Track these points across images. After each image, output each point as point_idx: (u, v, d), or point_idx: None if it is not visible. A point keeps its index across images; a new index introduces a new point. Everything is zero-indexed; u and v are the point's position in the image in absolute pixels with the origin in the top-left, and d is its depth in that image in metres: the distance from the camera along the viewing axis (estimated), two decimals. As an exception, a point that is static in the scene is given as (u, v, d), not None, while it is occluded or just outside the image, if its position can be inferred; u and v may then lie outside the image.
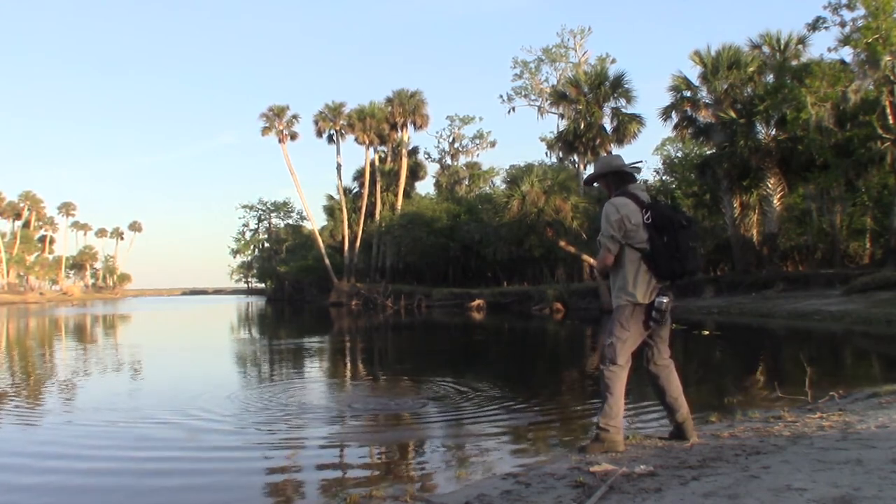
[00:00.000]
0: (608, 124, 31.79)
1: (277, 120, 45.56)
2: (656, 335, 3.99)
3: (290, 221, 68.63)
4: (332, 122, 46.05)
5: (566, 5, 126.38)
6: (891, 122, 23.08)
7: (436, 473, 4.25)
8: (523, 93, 44.42)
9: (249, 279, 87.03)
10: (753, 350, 13.31)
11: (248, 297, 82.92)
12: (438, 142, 56.01)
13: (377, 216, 46.19)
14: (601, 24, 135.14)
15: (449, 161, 53.11)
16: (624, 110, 31.61)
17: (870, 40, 21.72)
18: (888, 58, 21.89)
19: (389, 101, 45.24)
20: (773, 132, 27.41)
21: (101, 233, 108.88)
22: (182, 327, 27.95)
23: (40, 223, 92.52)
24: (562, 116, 35.20)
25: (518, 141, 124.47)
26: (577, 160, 34.48)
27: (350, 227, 46.86)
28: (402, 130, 45.92)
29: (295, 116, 46.11)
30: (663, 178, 41.08)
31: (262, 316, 36.24)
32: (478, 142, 52.83)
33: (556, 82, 40.88)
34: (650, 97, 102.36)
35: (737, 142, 26.59)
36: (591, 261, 26.33)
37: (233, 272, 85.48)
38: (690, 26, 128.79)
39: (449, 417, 6.09)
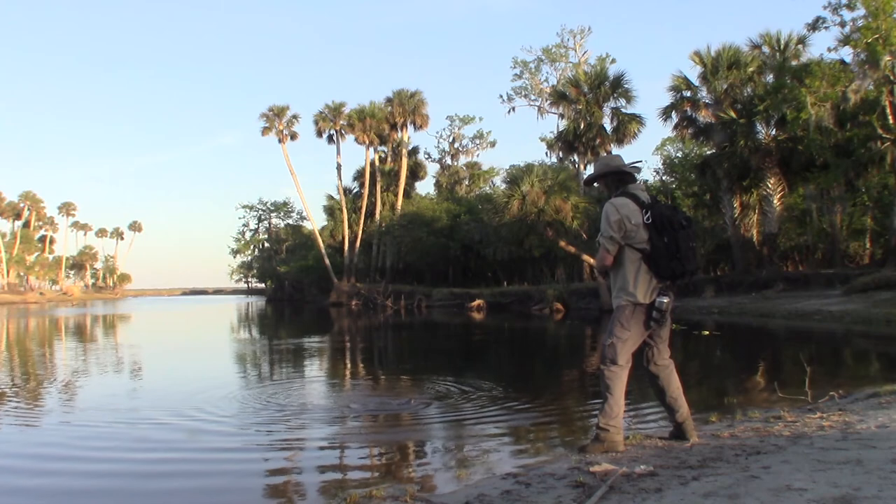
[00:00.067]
0: (608, 124, 31.80)
1: (277, 120, 45.56)
2: (656, 335, 3.99)
3: (290, 221, 68.65)
4: (332, 122, 46.04)
5: (566, 5, 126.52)
6: (891, 122, 23.08)
7: (436, 473, 4.25)
8: (523, 93, 44.45)
9: (249, 279, 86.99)
10: (753, 350, 13.30)
11: (248, 297, 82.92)
12: (438, 142, 56.11)
13: (377, 216, 46.18)
14: (601, 24, 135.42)
15: (449, 161, 53.13)
16: (624, 110, 31.62)
17: (870, 40, 21.72)
18: (888, 58, 21.89)
19: (389, 101, 45.23)
20: (773, 132, 27.42)
21: (101, 233, 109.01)
22: (182, 327, 27.94)
23: (40, 223, 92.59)
24: (562, 116, 35.21)
25: (518, 141, 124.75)
26: (577, 160, 34.46)
27: (350, 227, 46.86)
28: (402, 130, 45.91)
29: (295, 116, 46.18)
30: (663, 178, 41.09)
31: (262, 316, 36.24)
32: (478, 142, 52.86)
33: (556, 82, 40.88)
34: (650, 97, 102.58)
35: (737, 142, 26.59)
36: (591, 260, 26.33)
37: (233, 272, 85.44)
38: (690, 26, 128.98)
39: (449, 417, 6.08)
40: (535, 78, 44.16)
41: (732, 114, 27.49)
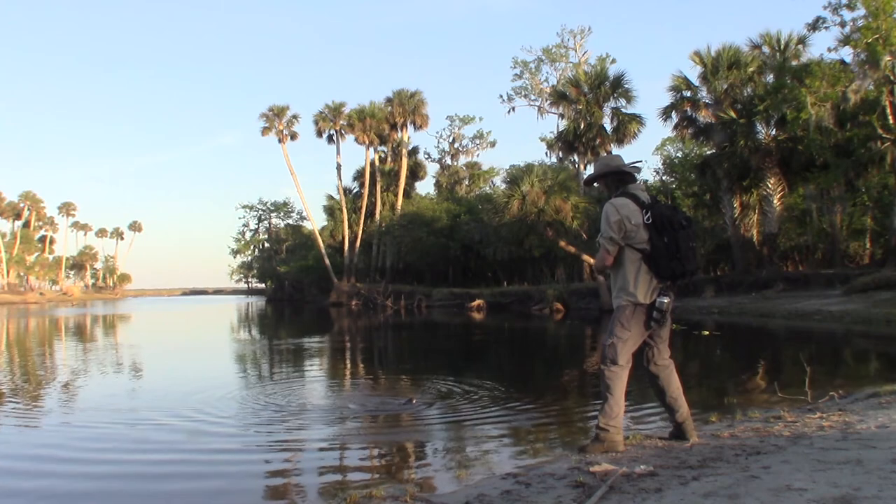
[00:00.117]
0: (608, 124, 31.80)
1: (277, 120, 45.57)
2: (657, 335, 3.99)
3: (290, 221, 68.68)
4: (332, 122, 46.04)
5: (566, 5, 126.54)
6: (891, 122, 23.08)
7: (436, 473, 4.25)
8: (523, 93, 44.47)
9: (249, 279, 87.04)
10: (753, 350, 13.30)
11: (248, 297, 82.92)
12: (438, 142, 56.12)
13: (377, 216, 46.18)
14: (601, 24, 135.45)
15: (449, 161, 53.13)
16: (624, 110, 31.62)
17: (870, 40, 21.72)
18: (888, 58, 21.89)
19: (389, 101, 45.23)
20: (773, 132, 27.42)
21: (101, 233, 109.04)
22: (182, 327, 27.94)
23: (40, 223, 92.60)
24: (562, 116, 35.21)
25: (518, 141, 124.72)
26: (577, 160, 34.47)
27: (350, 227, 46.86)
28: (402, 130, 45.92)
29: (295, 116, 46.18)
30: (663, 178, 41.10)
31: (262, 316, 36.24)
32: (478, 142, 52.87)
33: (556, 82, 40.89)
34: (650, 97, 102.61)
35: (737, 142, 26.59)
36: (592, 260, 26.33)
37: (233, 272, 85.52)
38: (690, 26, 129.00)
39: (449, 417, 6.08)
40: (535, 78, 44.20)
41: (732, 114, 27.49)
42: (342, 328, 23.34)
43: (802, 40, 27.11)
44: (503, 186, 31.46)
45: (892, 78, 22.50)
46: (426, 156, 52.64)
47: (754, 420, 4.90)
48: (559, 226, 27.18)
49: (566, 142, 32.79)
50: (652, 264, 3.85)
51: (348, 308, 39.11)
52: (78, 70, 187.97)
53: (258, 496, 3.96)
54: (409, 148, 47.62)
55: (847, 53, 24.12)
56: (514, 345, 15.91)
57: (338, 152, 47.90)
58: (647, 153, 59.74)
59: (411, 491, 3.45)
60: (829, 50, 25.65)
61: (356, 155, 69.53)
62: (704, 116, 29.28)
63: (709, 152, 30.53)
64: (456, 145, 53.16)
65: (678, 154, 40.48)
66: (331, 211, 53.05)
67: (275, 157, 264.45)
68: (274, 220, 71.04)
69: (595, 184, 4.34)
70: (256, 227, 72.09)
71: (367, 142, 45.29)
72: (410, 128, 45.95)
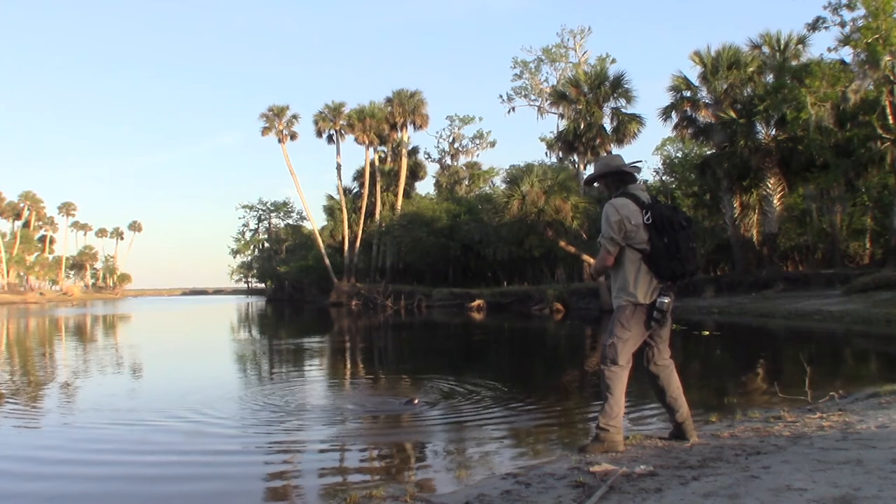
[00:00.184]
0: (608, 124, 31.81)
1: (277, 120, 45.56)
2: (657, 335, 3.99)
3: (290, 221, 68.63)
4: (332, 122, 46.04)
5: (566, 5, 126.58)
6: (891, 122, 23.08)
7: (436, 473, 4.25)
8: (523, 93, 44.47)
9: (249, 279, 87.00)
10: (753, 350, 13.30)
11: (248, 297, 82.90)
12: (438, 142, 56.12)
13: (377, 216, 46.18)
14: (601, 24, 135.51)
15: (449, 161, 53.14)
16: (624, 110, 31.63)
17: (870, 40, 21.72)
18: (888, 58, 21.89)
19: (389, 101, 45.23)
20: (773, 132, 27.42)
21: (101, 233, 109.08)
22: (182, 327, 27.94)
23: (40, 223, 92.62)
24: (562, 116, 35.22)
25: (518, 141, 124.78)
26: (577, 160, 34.47)
27: (350, 227, 46.86)
28: (401, 130, 45.91)
29: (295, 116, 46.18)
30: (663, 178, 41.10)
31: (262, 316, 36.23)
32: (478, 142, 52.88)
33: (556, 82, 40.89)
34: (650, 97, 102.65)
35: (737, 142, 26.59)
36: (592, 261, 26.32)
37: (233, 272, 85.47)
38: (690, 26, 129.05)
39: (449, 418, 6.08)
40: (535, 78, 44.20)
41: (732, 114, 27.49)
42: (342, 328, 23.34)
43: (802, 40, 27.11)
44: (503, 186, 31.46)
45: (892, 78, 22.50)
46: (426, 156, 52.71)
47: (754, 420, 4.90)
48: (559, 226, 27.18)
49: (566, 142, 32.79)
50: (652, 264, 3.84)
51: (348, 308, 39.11)
52: (78, 70, 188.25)
53: (258, 498, 3.95)
54: (409, 148, 47.63)
55: (847, 53, 24.16)
56: (514, 345, 15.91)
57: (338, 152, 47.96)
58: (647, 153, 59.79)
59: (411, 491, 3.45)
60: (829, 50, 25.68)
61: (356, 155, 69.63)
62: (704, 116, 29.28)
63: (709, 152, 30.53)
64: (456, 145, 53.20)
65: (678, 154, 40.49)
66: (331, 211, 53.05)
67: (275, 157, 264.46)
68: (274, 220, 71.07)
69: (595, 184, 4.34)
70: (256, 227, 72.11)
71: (366, 142, 45.29)
72: (410, 128, 45.97)
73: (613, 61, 41.03)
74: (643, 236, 3.83)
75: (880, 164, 23.93)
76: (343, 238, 47.41)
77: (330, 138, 46.97)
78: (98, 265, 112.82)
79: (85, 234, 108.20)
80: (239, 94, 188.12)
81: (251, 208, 70.55)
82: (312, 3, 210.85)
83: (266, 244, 71.26)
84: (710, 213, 34.41)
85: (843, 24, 23.38)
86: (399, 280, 43.62)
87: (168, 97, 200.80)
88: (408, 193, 47.56)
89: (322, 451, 5.01)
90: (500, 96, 49.62)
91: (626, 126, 31.10)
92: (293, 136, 46.19)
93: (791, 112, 24.03)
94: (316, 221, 51.18)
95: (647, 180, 39.51)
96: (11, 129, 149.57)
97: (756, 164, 26.86)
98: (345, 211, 46.81)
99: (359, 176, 49.85)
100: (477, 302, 33.61)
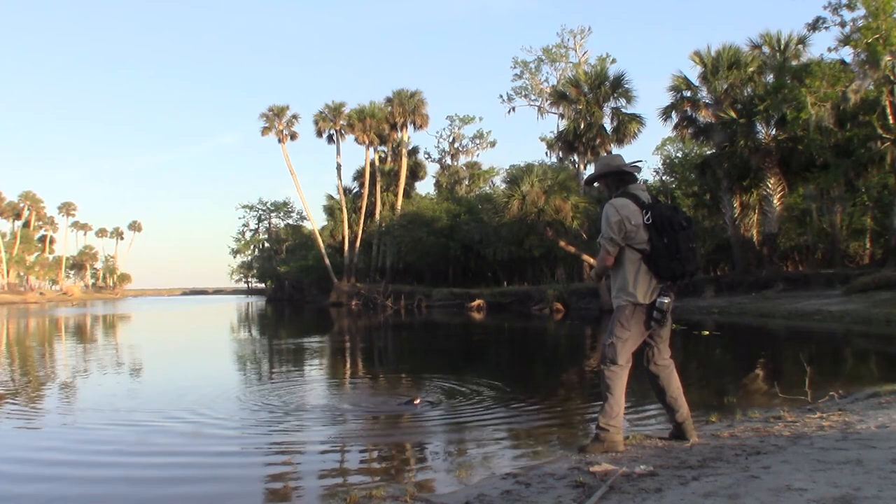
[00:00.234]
0: (608, 124, 31.80)
1: (277, 120, 45.56)
2: (657, 335, 3.99)
3: (290, 221, 68.63)
4: (332, 122, 46.04)
5: (566, 5, 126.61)
6: (891, 122, 23.08)
7: (436, 473, 4.26)
8: (523, 93, 44.46)
9: (249, 279, 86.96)
10: (753, 350, 13.30)
11: (248, 297, 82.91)
12: (438, 142, 56.12)
13: (377, 216, 46.18)
14: (601, 24, 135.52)
15: (449, 161, 53.13)
16: (624, 110, 31.61)
17: (870, 40, 21.72)
18: (888, 58, 21.89)
19: (389, 101, 45.23)
20: (773, 132, 27.42)
21: (101, 233, 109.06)
22: (182, 327, 27.94)
23: (40, 223, 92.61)
24: (562, 116, 35.21)
25: (518, 141, 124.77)
26: (577, 160, 34.47)
27: (350, 227, 46.86)
28: (401, 130, 45.92)
29: (295, 116, 46.18)
30: (663, 178, 41.10)
31: (262, 316, 36.24)
32: (478, 142, 52.87)
33: (556, 82, 40.89)
34: (650, 97, 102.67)
35: (737, 142, 26.59)
36: (592, 261, 26.33)
37: (233, 272, 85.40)
38: (690, 26, 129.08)
39: (449, 418, 6.08)
40: (535, 78, 44.19)
41: (732, 114, 27.48)
42: (342, 328, 23.34)
43: (802, 40, 27.11)
44: (503, 186, 31.46)
45: (892, 78, 22.50)
46: (426, 156, 52.71)
47: (754, 420, 4.90)
48: (559, 226, 27.18)
49: (566, 142, 32.79)
50: (652, 265, 3.84)
51: (348, 308, 39.11)
52: (78, 70, 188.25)
53: (259, 499, 3.96)
54: (409, 148, 47.63)
55: (847, 53, 24.16)
56: (514, 345, 15.91)
57: (338, 152, 47.96)
58: (647, 153, 59.75)
59: (411, 491, 3.45)
60: (829, 50, 25.69)
61: (356, 155, 69.64)
62: (704, 116, 29.28)
63: (709, 152, 30.52)
64: (456, 145, 53.19)
65: (678, 154, 40.48)
66: (331, 211, 53.06)
67: (275, 157, 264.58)
68: (274, 220, 71.07)
69: (595, 184, 4.33)
70: (256, 227, 72.11)
71: (367, 142, 45.29)
72: (410, 128, 45.97)
73: (613, 61, 41.08)
74: (643, 236, 3.83)
75: (880, 164, 23.93)
76: (343, 238, 47.41)
77: (330, 138, 47.02)
78: (98, 265, 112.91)
79: (85, 234, 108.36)
80: (239, 94, 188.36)
81: (251, 208, 70.64)
82: (312, 3, 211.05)
83: (266, 244, 71.26)
84: (710, 213, 34.41)
85: (843, 24, 23.40)
86: (399, 280, 43.62)
87: (168, 97, 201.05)
88: (408, 193, 47.56)
89: (322, 451, 5.00)
90: (500, 96, 49.69)
91: (627, 126, 31.09)
92: (293, 136, 46.23)
93: (791, 112, 24.03)
94: (316, 221, 51.25)
95: (647, 180, 39.50)
96: (11, 129, 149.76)
97: (756, 164, 26.85)
98: (345, 211, 46.81)
99: (359, 176, 49.86)
100: (477, 302, 33.61)
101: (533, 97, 44.29)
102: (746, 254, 28.99)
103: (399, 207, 45.00)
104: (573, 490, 3.11)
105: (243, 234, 72.68)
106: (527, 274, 38.02)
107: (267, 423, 5.99)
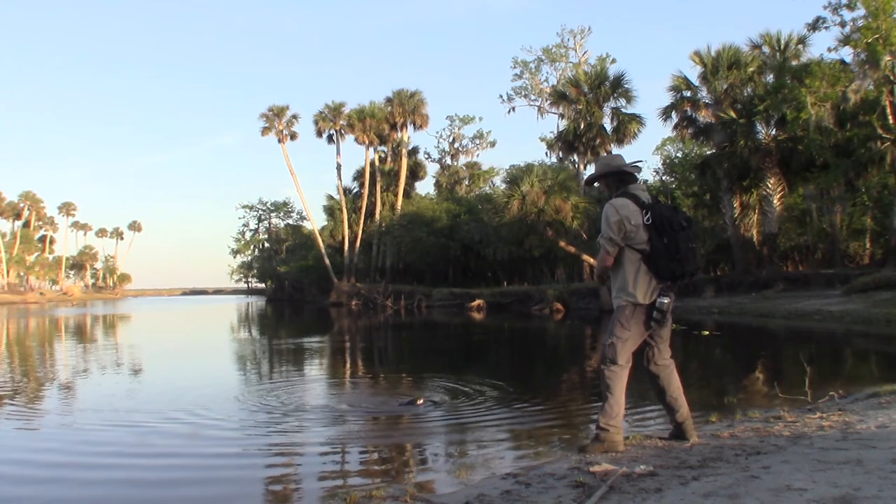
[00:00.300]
0: (608, 124, 31.81)
1: (277, 120, 45.57)
2: (657, 335, 3.99)
3: (290, 221, 68.66)
4: (332, 122, 46.04)
5: (566, 5, 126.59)
6: (891, 122, 23.08)
7: (436, 473, 4.26)
8: (523, 93, 44.48)
9: (249, 279, 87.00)
10: (753, 350, 13.30)
11: (248, 297, 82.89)
12: (438, 142, 56.12)
13: (377, 216, 46.18)
14: (601, 24, 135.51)
15: (449, 161, 53.14)
16: (624, 110, 31.63)
17: (870, 40, 21.72)
18: (888, 58, 21.89)
19: (389, 101, 45.23)
20: (773, 132, 27.42)
21: (101, 233, 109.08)
22: (182, 327, 27.94)
23: (40, 223, 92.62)
24: (562, 116, 35.23)
25: (518, 141, 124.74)
26: (577, 160, 34.47)
27: (350, 227, 46.86)
28: (401, 130, 45.92)
29: (295, 116, 46.20)
30: (663, 178, 41.10)
31: (262, 316, 36.24)
32: (478, 142, 52.89)
33: (556, 82, 40.90)
34: (650, 97, 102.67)
35: (737, 142, 26.59)
36: (592, 261, 26.34)
37: (233, 272, 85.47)
38: (690, 26, 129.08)
39: (449, 417, 6.08)
40: (535, 78, 44.20)
41: (732, 114, 27.48)
42: (342, 328, 23.34)
43: (802, 40, 27.11)
44: (503, 186, 31.48)
45: (892, 78, 22.50)
46: (426, 156, 52.72)
47: (754, 420, 4.90)
48: (559, 226, 27.19)
49: (566, 142, 32.79)
50: (651, 265, 3.84)
51: (348, 308, 39.11)
52: (78, 70, 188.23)
53: (259, 493, 3.97)
54: (409, 148, 47.63)
55: (847, 53, 24.16)
56: (514, 345, 15.91)
57: (338, 152, 47.97)
58: (647, 153, 59.74)
59: (411, 491, 3.45)
60: (829, 50, 25.68)
61: (356, 155, 69.61)
62: (704, 116, 29.28)
63: (709, 152, 30.52)
64: (456, 145, 53.21)
65: (678, 154, 40.49)
66: (331, 211, 53.06)
67: (275, 157, 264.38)
68: (274, 220, 71.10)
69: (595, 184, 4.33)
70: (256, 227, 72.15)
71: (366, 142, 45.29)
72: (410, 128, 45.97)
73: (613, 61, 41.09)
74: (643, 237, 3.83)
75: (880, 164, 23.93)
76: (343, 238, 47.41)
77: (330, 138, 47.03)
78: (98, 265, 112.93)
79: (85, 234, 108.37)
80: (239, 94, 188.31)
81: (251, 208, 70.67)
82: (312, 3, 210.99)
83: (266, 244, 71.28)
84: (710, 213, 34.41)
85: (843, 24, 23.40)
86: (399, 280, 43.62)
87: (168, 97, 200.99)
88: (408, 193, 47.57)
89: (322, 453, 4.99)
90: (500, 96, 49.70)
91: (627, 126, 31.10)
92: (293, 136, 46.24)
93: (791, 112, 24.03)
94: (316, 221, 51.27)
95: (647, 180, 39.50)
96: (11, 129, 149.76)
97: (756, 164, 26.85)
98: (345, 211, 46.81)
99: (359, 176, 49.86)
100: (477, 302, 33.61)
101: (533, 97, 44.36)
102: (746, 254, 28.99)
103: (399, 207, 45.01)
104: (573, 490, 3.11)
105: (243, 234, 72.79)
106: (527, 274, 38.02)
107: (267, 423, 5.98)
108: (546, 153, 43.02)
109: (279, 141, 45.91)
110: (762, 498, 2.73)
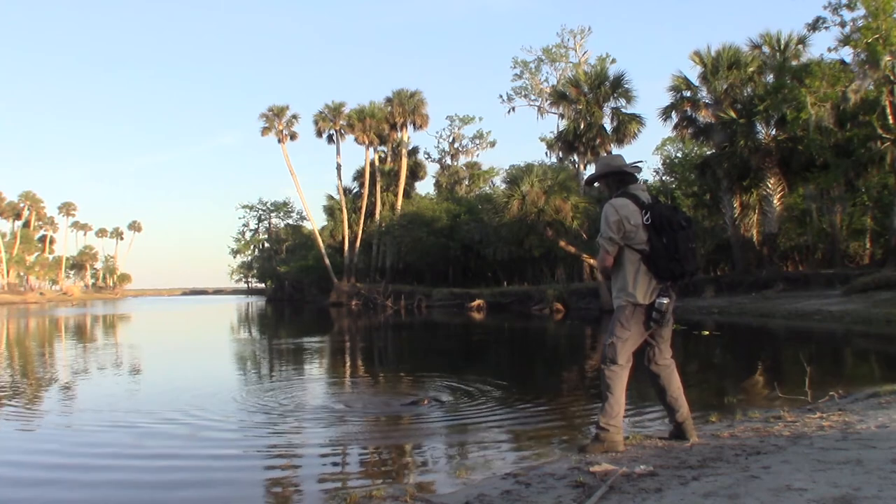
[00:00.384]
0: (608, 124, 31.78)
1: (277, 120, 45.57)
2: (658, 335, 3.99)
3: (290, 221, 68.68)
4: (332, 122, 46.04)
5: (566, 5, 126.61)
6: (891, 122, 23.08)
7: (436, 473, 4.25)
8: (523, 93, 44.47)
9: (249, 279, 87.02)
10: (753, 350, 13.30)
11: (248, 297, 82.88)
12: (438, 142, 56.13)
13: (377, 216, 46.18)
14: (601, 24, 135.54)
15: (449, 161, 53.15)
16: (624, 110, 31.60)
17: (870, 40, 21.72)
18: (888, 58, 21.89)
19: (389, 101, 45.23)
20: (773, 132, 27.41)
21: (101, 233, 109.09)
22: (182, 327, 27.94)
23: (40, 223, 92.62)
24: (562, 116, 35.20)
25: (518, 141, 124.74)
26: (577, 160, 34.45)
27: (350, 227, 46.86)
28: (401, 130, 45.92)
29: (295, 116, 46.21)
30: (663, 178, 41.11)
31: (262, 316, 36.23)
32: (478, 142, 52.89)
33: (556, 82, 40.89)
34: (650, 97, 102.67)
35: (737, 142, 26.59)
36: (592, 261, 26.35)
37: (233, 272, 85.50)
38: (690, 26, 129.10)
39: (449, 417, 6.07)
40: (535, 78, 44.19)
41: (732, 114, 27.48)
42: (342, 328, 23.34)
43: (802, 40, 27.11)
44: (503, 186, 31.44)
45: (892, 78, 22.50)
46: (426, 156, 52.74)
47: (754, 420, 4.90)
48: (559, 226, 27.17)
49: (566, 142, 32.77)
50: (651, 265, 3.84)
51: (348, 308, 39.10)
52: (78, 70, 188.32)
53: (259, 492, 3.96)
54: (409, 148, 47.64)
55: (847, 53, 24.16)
56: (514, 345, 15.91)
57: (338, 152, 47.98)
58: (647, 153, 59.80)
59: (411, 491, 3.45)
60: (829, 50, 25.70)
61: (356, 155, 69.63)
62: (704, 116, 29.28)
63: (709, 152, 30.52)
64: (456, 145, 53.22)
65: (678, 154, 40.49)
66: (331, 211, 53.07)
67: (275, 157, 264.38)
68: (274, 220, 71.12)
69: (596, 184, 4.33)
70: (256, 227, 72.16)
71: (366, 142, 45.29)
72: (410, 128, 45.98)
73: (613, 61, 41.08)
74: (642, 237, 3.83)
75: (880, 164, 23.93)
76: (343, 238, 47.41)
77: (330, 138, 47.04)
78: (98, 265, 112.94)
79: (85, 234, 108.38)
80: (239, 94, 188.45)
81: (251, 208, 70.69)
82: (312, 3, 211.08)
83: (266, 244, 71.29)
84: (710, 213, 34.41)
85: (843, 24, 23.41)
86: (399, 280, 43.62)
87: (168, 97, 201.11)
88: (408, 193, 47.57)
89: (322, 454, 4.99)
90: (500, 96, 49.68)
91: (627, 126, 31.08)
92: (293, 136, 46.25)
93: (791, 112, 24.02)
94: (316, 221, 51.28)
95: (647, 180, 39.51)
96: (11, 129, 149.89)
97: (756, 164, 26.85)
98: (345, 211, 46.82)
99: (359, 176, 49.86)
100: (477, 302, 33.61)
101: (533, 97, 44.35)
102: (746, 254, 28.99)
103: (399, 207, 45.01)
104: (573, 490, 3.11)
105: (243, 234, 72.82)
106: (527, 274, 38.02)
107: (266, 424, 5.97)
108: (546, 153, 43.08)
109: (279, 141, 45.93)
110: (762, 498, 2.73)
